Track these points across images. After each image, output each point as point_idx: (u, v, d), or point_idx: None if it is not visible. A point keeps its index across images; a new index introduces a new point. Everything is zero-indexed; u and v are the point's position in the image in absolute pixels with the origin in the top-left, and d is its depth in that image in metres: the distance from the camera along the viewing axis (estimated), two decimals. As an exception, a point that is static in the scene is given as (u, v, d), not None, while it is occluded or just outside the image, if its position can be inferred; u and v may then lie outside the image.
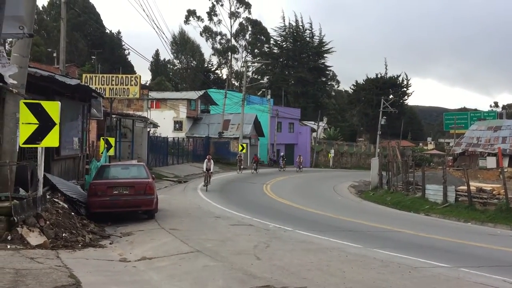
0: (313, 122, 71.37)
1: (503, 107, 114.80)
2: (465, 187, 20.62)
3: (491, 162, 39.63)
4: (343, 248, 10.79)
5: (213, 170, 26.14)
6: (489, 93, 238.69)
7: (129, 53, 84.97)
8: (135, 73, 50.45)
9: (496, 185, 23.34)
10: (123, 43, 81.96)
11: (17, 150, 10.24)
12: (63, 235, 9.49)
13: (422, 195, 23.10)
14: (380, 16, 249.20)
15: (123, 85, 24.55)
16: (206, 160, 26.21)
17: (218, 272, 7.96)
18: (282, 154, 50.57)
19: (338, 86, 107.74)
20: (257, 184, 30.52)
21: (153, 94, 51.68)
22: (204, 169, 25.79)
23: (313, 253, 10.15)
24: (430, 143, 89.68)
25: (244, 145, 44.62)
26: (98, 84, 24.28)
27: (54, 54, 45.04)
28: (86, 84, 19.48)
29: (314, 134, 68.57)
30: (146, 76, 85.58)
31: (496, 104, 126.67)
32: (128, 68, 75.53)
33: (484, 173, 36.55)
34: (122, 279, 7.32)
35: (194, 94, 53.82)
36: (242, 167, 40.31)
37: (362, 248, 10.90)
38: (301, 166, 46.79)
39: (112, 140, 22.49)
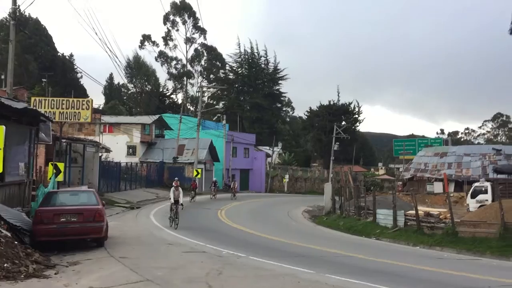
0: (268, 147, 71.94)
1: (449, 134, 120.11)
2: (413, 212, 21.26)
3: (438, 187, 41.06)
4: (296, 274, 10.81)
5: (182, 201, 20.42)
6: (436, 120, 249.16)
7: (81, 76, 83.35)
8: (88, 97, 49.49)
9: (442, 210, 24.22)
10: (76, 66, 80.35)
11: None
12: (5, 265, 9.04)
13: (373, 220, 23.59)
14: (331, 46, 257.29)
15: (74, 109, 23.95)
16: (173, 188, 20.62)
17: (168, 302, 7.78)
18: (214, 179, 44.67)
19: (292, 112, 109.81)
20: (212, 210, 30.26)
21: (106, 118, 50.73)
22: (172, 200, 20.17)
23: (266, 279, 10.11)
24: (381, 168, 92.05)
25: (199, 170, 44.32)
26: (48, 108, 23.59)
27: (2, 77, 43.56)
28: (34, 108, 18.91)
29: (269, 159, 69.06)
30: (99, 100, 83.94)
31: (442, 131, 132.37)
32: (81, 92, 73.83)
33: (431, 197, 37.83)
34: (67, 311, 7.02)
35: (148, 119, 53.25)
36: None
37: (315, 274, 10.96)
38: (235, 194, 42.91)
39: (61, 165, 21.83)
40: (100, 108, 70.10)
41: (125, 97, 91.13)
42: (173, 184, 21.12)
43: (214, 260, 12.42)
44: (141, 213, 26.80)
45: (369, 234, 21.71)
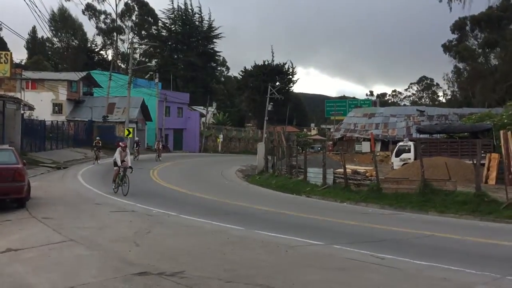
0: (202, 107, 71.18)
1: (377, 96, 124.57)
2: (342, 170, 21.97)
3: (366, 147, 42.72)
4: (225, 231, 10.88)
5: (131, 164, 17.98)
6: (365, 83, 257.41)
7: (0, 28, 77.29)
8: (8, 51, 45.94)
9: (369, 168, 25.22)
10: (-7, 17, 74.26)
11: None
12: None
13: (304, 178, 24.16)
14: (266, 6, 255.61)
15: (-10, 62, 22.23)
16: (119, 149, 17.64)
17: (92, 261, 7.56)
18: (136, 139, 38.83)
19: (227, 72, 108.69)
20: (144, 169, 29.65)
21: (29, 74, 47.64)
22: (118, 163, 17.28)
23: (195, 237, 10.10)
24: (314, 128, 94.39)
25: (131, 129, 43.06)
26: (-40, 60, 21.74)
27: None
28: None
29: (203, 119, 68.51)
30: (21, 55, 78.74)
31: (371, 93, 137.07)
32: (0, 46, 68.72)
33: (359, 156, 39.33)
34: (-20, 274, 6.62)
35: (75, 75, 50.55)
36: (100, 156, 32.87)
37: (244, 230, 11.08)
38: (160, 155, 38.17)
39: (-23, 123, 20.34)
40: (23, 63, 65.76)
41: (50, 52, 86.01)
42: (121, 145, 18.01)
43: (144, 219, 12.23)
44: (68, 173, 25.81)
45: (300, 192, 22.24)
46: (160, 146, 39.93)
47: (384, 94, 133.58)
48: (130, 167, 17.43)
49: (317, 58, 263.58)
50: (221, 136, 65.79)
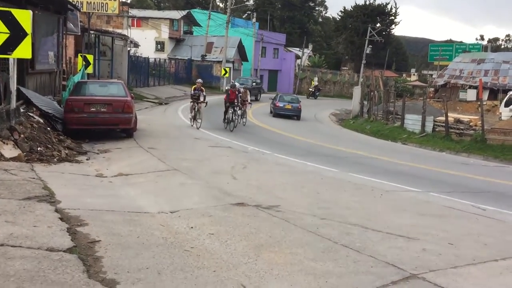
0: (298, 49, 70.15)
1: (489, 40, 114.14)
2: (443, 118, 20.89)
3: (471, 95, 39.92)
4: (319, 172, 10.96)
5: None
6: (475, 24, 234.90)
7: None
8: (115, -11, 47.94)
9: (473, 117, 23.69)
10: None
11: (-12, 61, 9.83)
12: (38, 149, 9.39)
13: (401, 125, 23.39)
14: None
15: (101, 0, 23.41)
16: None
17: (193, 190, 8.04)
18: (200, 80, 20.47)
19: (325, 12, 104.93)
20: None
21: (134, 12, 49.64)
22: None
23: (290, 175, 10.30)
24: (414, 74, 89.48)
25: (227, 69, 43.89)
26: (75, -2, 23.11)
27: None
28: (61, -4, 18.46)
29: (298, 61, 67.70)
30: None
31: (482, 37, 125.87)
32: (108, -16, 71.99)
33: (463, 105, 36.98)
34: (97, 193, 7.34)
35: (176, 14, 51.92)
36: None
37: (338, 172, 11.10)
38: (247, 103, 21.69)
39: (90, 57, 21.75)
40: (128, 1, 68.27)
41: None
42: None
43: (240, 155, 12.66)
44: (169, 109, 27.17)
45: (395, 138, 21.65)
46: (248, 97, 22.82)
47: (496, 39, 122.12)
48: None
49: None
50: (315, 79, 64.75)
